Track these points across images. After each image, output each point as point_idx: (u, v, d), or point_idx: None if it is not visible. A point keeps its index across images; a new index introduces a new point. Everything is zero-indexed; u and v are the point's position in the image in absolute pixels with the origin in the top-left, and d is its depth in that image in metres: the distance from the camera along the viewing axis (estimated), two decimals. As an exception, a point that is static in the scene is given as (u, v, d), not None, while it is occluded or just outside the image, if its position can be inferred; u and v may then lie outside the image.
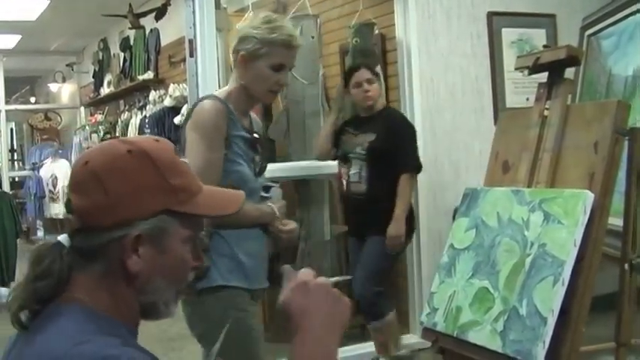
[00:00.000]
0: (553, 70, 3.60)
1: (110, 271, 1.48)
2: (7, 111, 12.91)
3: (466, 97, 5.96)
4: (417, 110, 5.76)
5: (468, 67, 5.98)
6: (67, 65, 14.11)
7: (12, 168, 14.45)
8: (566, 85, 3.57)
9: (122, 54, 11.05)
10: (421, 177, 5.75)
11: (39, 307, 1.46)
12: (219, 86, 5.00)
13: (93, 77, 12.69)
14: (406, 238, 5.05)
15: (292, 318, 1.53)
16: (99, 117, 12.27)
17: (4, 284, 7.83)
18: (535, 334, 3.02)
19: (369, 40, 6.03)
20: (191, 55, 5.01)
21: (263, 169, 3.16)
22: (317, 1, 6.43)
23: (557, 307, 3.02)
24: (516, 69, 3.77)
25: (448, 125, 5.90)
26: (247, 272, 2.99)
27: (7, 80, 12.84)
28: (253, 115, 3.25)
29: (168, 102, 8.80)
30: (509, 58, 5.82)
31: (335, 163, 5.65)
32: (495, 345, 3.19)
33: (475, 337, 3.32)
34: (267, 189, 3.22)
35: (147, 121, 9.16)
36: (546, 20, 6.25)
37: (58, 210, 12.21)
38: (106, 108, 12.15)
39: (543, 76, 3.68)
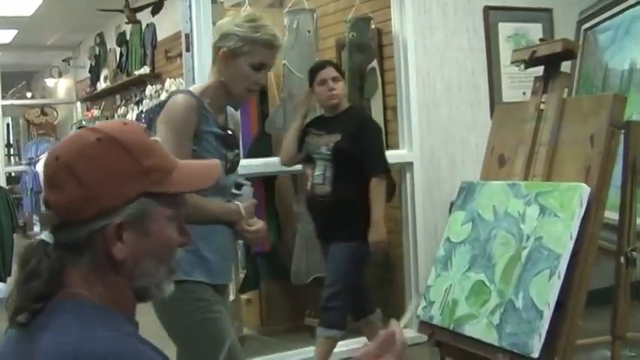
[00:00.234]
0: (549, 64, 3.60)
1: (97, 263, 1.47)
2: (3, 106, 12.84)
3: (462, 91, 5.96)
4: (414, 104, 5.77)
5: (465, 61, 5.98)
6: (63, 60, 14.10)
7: (8, 163, 14.41)
8: (562, 79, 3.57)
9: (118, 49, 11.03)
10: (417, 171, 5.76)
11: (39, 306, 1.44)
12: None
13: (89, 72, 12.68)
14: (365, 241, 4.78)
15: None
16: (95, 112, 12.25)
17: (1, 280, 7.81)
18: (531, 327, 3.03)
19: (366, 34, 6.02)
20: (187, 50, 5.00)
21: (235, 165, 3.13)
22: (313, -5, 6.43)
23: (553, 300, 3.02)
24: (512, 62, 3.77)
25: (444, 119, 5.90)
26: (211, 268, 2.98)
27: (3, 75, 12.79)
28: (231, 111, 3.25)
29: (164, 97, 8.78)
30: (505, 53, 5.82)
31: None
32: (491, 338, 3.19)
33: (471, 330, 3.32)
34: (239, 186, 3.21)
35: (143, 115, 9.14)
36: (543, 14, 6.25)
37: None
38: (103, 103, 12.13)
39: (539, 70, 3.68)
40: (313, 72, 4.94)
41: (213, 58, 3.08)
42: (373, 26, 6.07)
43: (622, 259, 3.28)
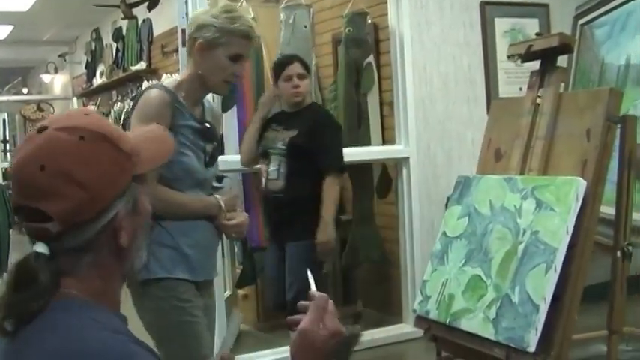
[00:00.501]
0: (545, 58, 3.60)
1: (100, 258, 1.47)
2: (-1, 102, 12.89)
3: (459, 86, 5.96)
4: (410, 100, 5.76)
5: (461, 56, 5.98)
6: (59, 56, 14.09)
7: (4, 159, 14.43)
8: (558, 73, 3.57)
9: (115, 44, 11.02)
10: (414, 166, 5.76)
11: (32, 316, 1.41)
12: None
13: (85, 68, 12.66)
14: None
15: (293, 348, 1.57)
16: (91, 107, 12.23)
17: (-2, 276, 7.81)
18: (527, 321, 3.03)
19: (362, 29, 6.02)
20: (184, 45, 4.97)
21: (214, 158, 3.09)
22: (310, -9, 6.42)
23: (549, 294, 3.03)
24: (509, 57, 3.77)
25: (441, 115, 5.89)
26: (192, 264, 2.94)
27: (-1, 71, 12.84)
28: (210, 104, 3.22)
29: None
30: (502, 48, 5.82)
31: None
32: (488, 332, 3.20)
33: (468, 324, 3.33)
34: (220, 179, 3.17)
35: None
36: (539, 10, 6.25)
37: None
38: (99, 98, 12.12)
39: (536, 66, 3.68)
40: (279, 67, 4.84)
41: (189, 50, 3.04)
42: (369, 21, 6.07)
43: (618, 254, 3.28)
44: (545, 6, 6.25)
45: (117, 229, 1.47)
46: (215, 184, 3.12)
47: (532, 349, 2.99)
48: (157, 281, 2.86)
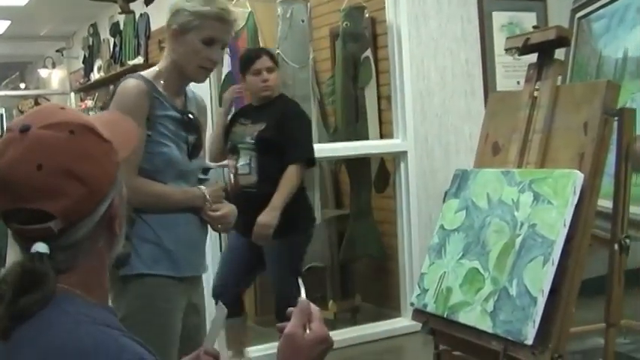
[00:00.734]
0: (543, 51, 3.59)
1: (95, 250, 1.48)
2: (-4, 97, 12.88)
3: (456, 80, 5.97)
4: (408, 93, 5.77)
5: (459, 50, 5.99)
6: (56, 51, 14.06)
7: (2, 155, 14.39)
8: (556, 66, 3.56)
9: (112, 39, 11.00)
10: (411, 160, 5.77)
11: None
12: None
13: (83, 63, 12.65)
14: (298, 236, 4.70)
15: (279, 354, 1.56)
16: (89, 102, 12.22)
17: (-5, 269, 7.81)
18: (525, 314, 3.03)
19: (360, 23, 6.03)
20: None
21: (198, 149, 3.00)
22: (307, -15, 6.42)
23: (547, 287, 3.02)
24: (506, 50, 3.76)
25: (438, 108, 5.90)
26: (176, 259, 2.84)
27: (-4, 66, 12.83)
28: (194, 94, 3.13)
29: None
30: (499, 42, 5.82)
31: (333, 145, 5.66)
32: (485, 325, 3.19)
33: (465, 317, 3.32)
34: (205, 171, 3.08)
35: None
36: (537, 3, 6.25)
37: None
38: (96, 94, 12.09)
39: (533, 59, 3.68)
40: (247, 61, 4.76)
41: (167, 39, 2.99)
42: (367, 15, 6.08)
43: (616, 246, 3.28)
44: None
45: (112, 217, 1.48)
46: (201, 176, 3.04)
47: (530, 342, 2.99)
48: (137, 277, 2.77)
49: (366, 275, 6.78)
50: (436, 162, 5.88)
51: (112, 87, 9.09)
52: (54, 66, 14.74)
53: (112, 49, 11.02)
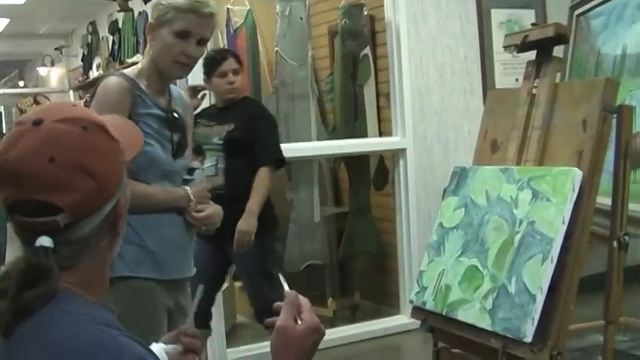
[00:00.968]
0: (541, 49, 3.59)
1: (99, 248, 1.48)
2: (-5, 95, 12.87)
3: (455, 77, 5.97)
4: (407, 91, 5.77)
5: (457, 47, 5.99)
6: (55, 49, 14.04)
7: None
8: (554, 64, 3.56)
9: (111, 37, 10.99)
10: (410, 158, 5.77)
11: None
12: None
13: (82, 61, 12.63)
14: (265, 238, 4.57)
15: (273, 348, 1.57)
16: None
17: (-5, 267, 7.81)
18: (524, 312, 3.03)
19: (358, 21, 6.04)
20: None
21: (183, 149, 2.93)
22: (306, -18, 6.42)
23: (546, 284, 3.02)
24: (505, 47, 3.76)
25: (437, 106, 5.91)
26: (160, 262, 2.79)
27: (-5, 64, 12.82)
28: (179, 93, 3.07)
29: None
30: (498, 39, 5.82)
31: (332, 143, 5.66)
32: (484, 323, 3.19)
33: (464, 315, 3.32)
34: (191, 171, 3.04)
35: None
36: (535, 1, 6.25)
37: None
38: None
39: (532, 57, 3.68)
40: (213, 63, 4.65)
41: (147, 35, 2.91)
42: (366, 13, 6.09)
43: (615, 244, 3.28)
44: (542, -4, 6.26)
45: (117, 217, 1.49)
46: (186, 177, 2.98)
47: (529, 339, 2.99)
48: (119, 280, 2.65)
49: (365, 273, 6.78)
50: (435, 159, 5.88)
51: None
52: (53, 64, 14.72)
53: (110, 47, 11.00)
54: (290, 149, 5.58)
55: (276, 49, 5.74)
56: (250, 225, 4.41)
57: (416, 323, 3.73)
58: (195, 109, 4.71)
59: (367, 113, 6.14)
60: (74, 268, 1.44)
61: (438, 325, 3.54)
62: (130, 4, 9.63)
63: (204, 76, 4.69)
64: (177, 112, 2.93)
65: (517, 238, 3.21)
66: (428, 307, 3.55)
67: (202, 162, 4.53)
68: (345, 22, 5.98)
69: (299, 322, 1.56)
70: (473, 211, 3.53)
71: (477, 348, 3.30)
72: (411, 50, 5.80)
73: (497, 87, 5.90)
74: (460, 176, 3.71)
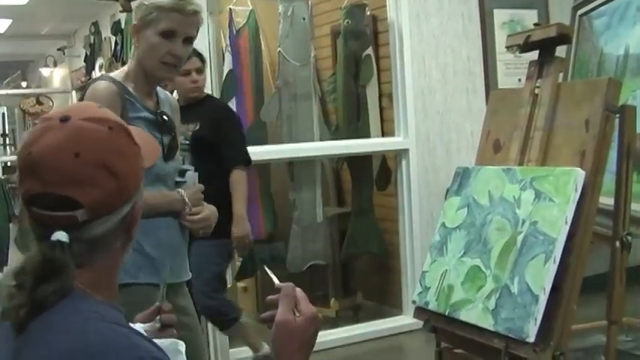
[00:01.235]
0: (544, 49, 3.59)
1: (112, 250, 1.49)
2: (-2, 96, 12.89)
3: (458, 77, 5.97)
4: (409, 91, 5.77)
5: (460, 47, 5.99)
6: (58, 49, 14.05)
7: (4, 153, 14.43)
8: (557, 64, 3.56)
9: (113, 37, 10.99)
10: (413, 158, 5.77)
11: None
12: (210, 70, 4.99)
13: (84, 61, 12.62)
14: (222, 236, 4.41)
15: (276, 343, 1.56)
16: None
17: (-2, 269, 7.81)
18: (527, 312, 3.03)
19: (361, 21, 6.04)
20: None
21: (173, 151, 2.89)
22: (308, -17, 6.42)
23: (548, 284, 3.02)
24: (507, 47, 3.76)
25: (440, 106, 5.90)
26: (157, 266, 2.77)
27: (-2, 65, 12.83)
28: (166, 94, 3.03)
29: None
30: (500, 39, 5.81)
31: (334, 143, 5.65)
32: (487, 323, 3.19)
33: (467, 315, 3.32)
34: (182, 173, 2.99)
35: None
36: (538, 1, 6.24)
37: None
38: (98, 92, 12.08)
39: (534, 57, 3.68)
40: None
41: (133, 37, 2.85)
42: (368, 13, 6.09)
43: (617, 244, 3.28)
44: (544, -4, 6.26)
45: (133, 220, 1.50)
46: (178, 179, 2.95)
47: (531, 339, 2.99)
48: (121, 287, 2.64)
49: (367, 273, 6.78)
50: (437, 159, 5.88)
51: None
52: (55, 64, 14.74)
53: (113, 48, 11.00)
54: (292, 149, 5.60)
55: (279, 49, 5.74)
56: (243, 228, 4.49)
57: (418, 323, 3.73)
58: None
59: (370, 113, 6.14)
60: (86, 267, 1.45)
61: (441, 325, 3.54)
62: (133, 5, 9.64)
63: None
64: (166, 114, 2.90)
65: (520, 238, 3.21)
66: (430, 307, 3.55)
67: None
68: (348, 22, 5.98)
69: (297, 313, 1.56)
70: (475, 211, 3.53)
71: (480, 348, 3.30)
72: (413, 50, 5.80)
73: (499, 87, 5.89)
74: (463, 176, 3.71)
